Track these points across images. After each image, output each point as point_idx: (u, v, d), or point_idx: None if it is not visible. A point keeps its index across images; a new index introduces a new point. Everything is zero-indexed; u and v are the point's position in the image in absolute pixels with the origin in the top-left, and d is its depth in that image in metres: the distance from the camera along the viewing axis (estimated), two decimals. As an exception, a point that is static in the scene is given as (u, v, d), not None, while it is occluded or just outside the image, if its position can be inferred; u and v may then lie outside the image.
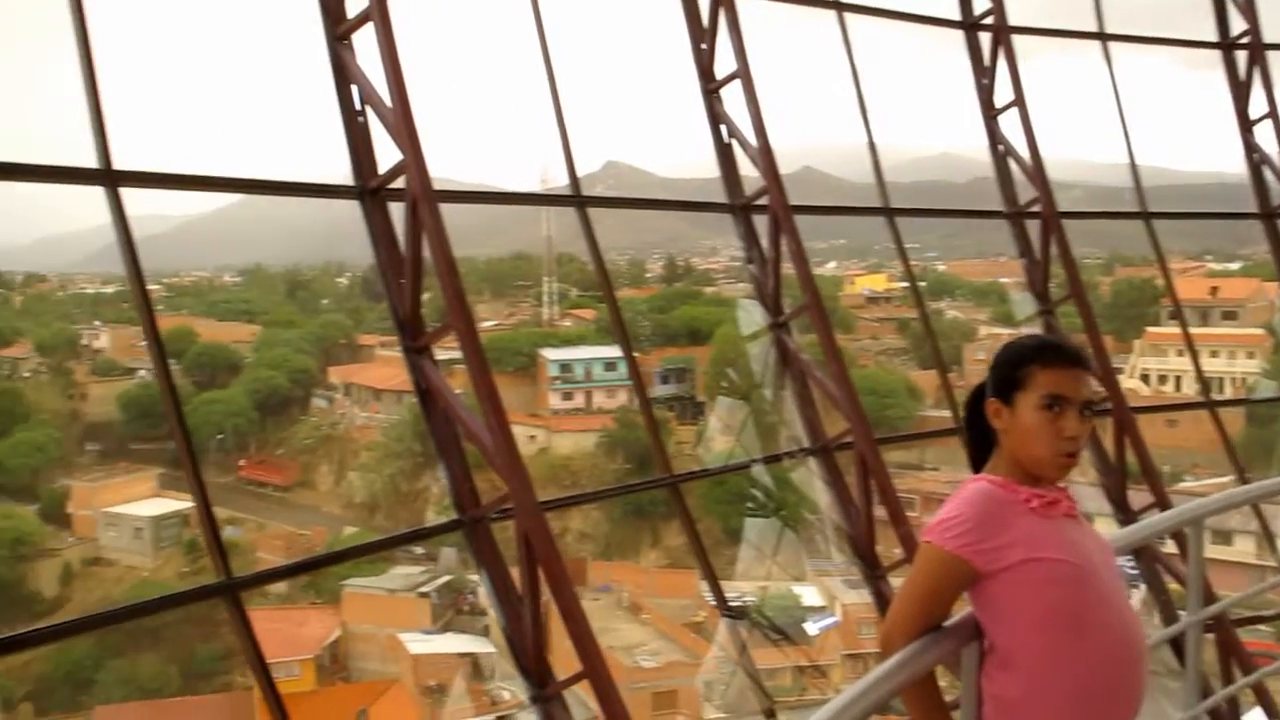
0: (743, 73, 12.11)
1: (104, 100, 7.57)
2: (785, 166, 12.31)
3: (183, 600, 9.78)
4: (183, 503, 42.07)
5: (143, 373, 48.62)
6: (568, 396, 49.56)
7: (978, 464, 3.31)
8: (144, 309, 8.01)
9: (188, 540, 41.34)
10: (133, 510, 41.63)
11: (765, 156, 12.00)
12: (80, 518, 41.70)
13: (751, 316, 13.21)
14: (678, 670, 31.49)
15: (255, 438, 47.98)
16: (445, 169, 9.00)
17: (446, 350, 9.29)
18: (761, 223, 12.46)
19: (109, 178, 7.60)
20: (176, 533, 41.41)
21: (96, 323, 52.94)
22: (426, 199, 8.36)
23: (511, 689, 33.70)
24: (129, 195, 7.66)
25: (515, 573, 8.36)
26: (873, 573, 11.49)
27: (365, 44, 8.96)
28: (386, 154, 9.13)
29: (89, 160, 7.50)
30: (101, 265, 67.17)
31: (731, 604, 12.84)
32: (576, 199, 11.79)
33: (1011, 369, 3.21)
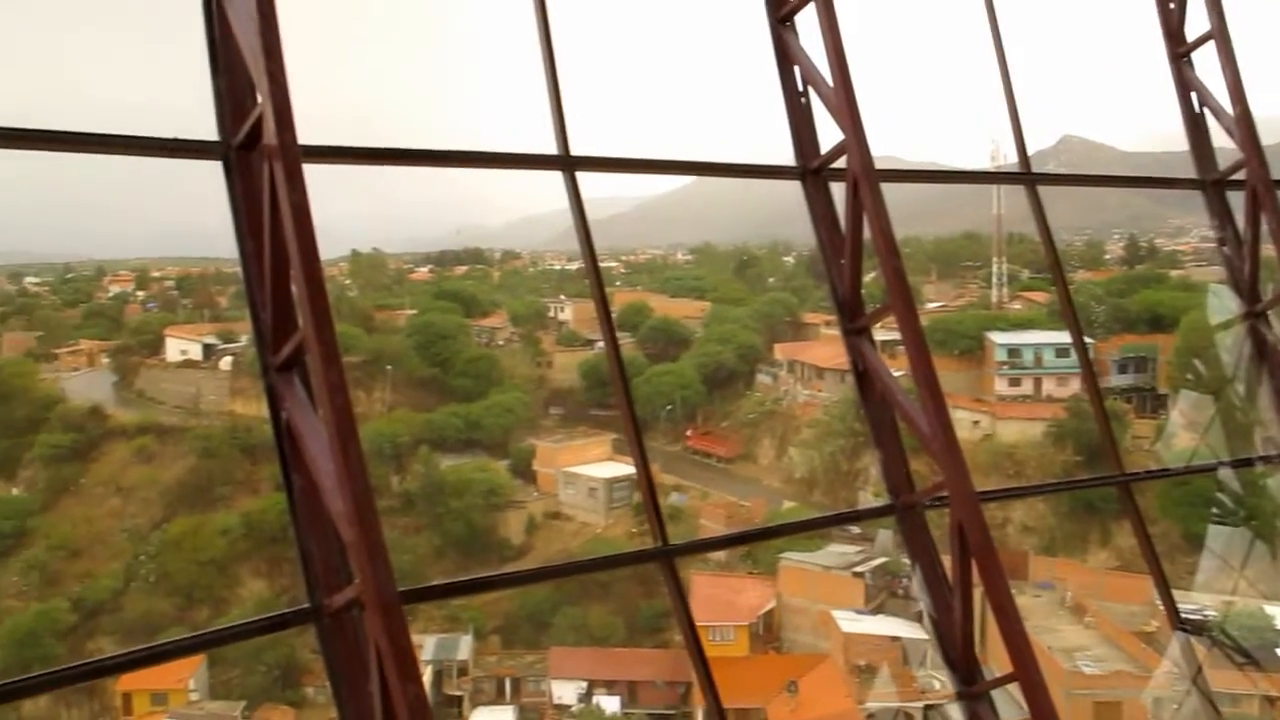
0: (1218, 32, 10.86)
1: (563, 91, 8.14)
2: (1267, 137, 10.91)
3: (623, 561, 10.35)
4: (632, 467, 44.88)
5: (601, 344, 52.34)
6: (1015, 382, 47.46)
7: None
8: (596, 285, 8.51)
9: (636, 503, 44.05)
10: (588, 471, 44.87)
11: (1243, 125, 10.69)
12: (544, 475, 45.61)
13: (1223, 303, 11.74)
14: (1123, 681, 29.23)
15: (702, 409, 49.97)
16: (888, 147, 8.85)
17: (887, 331, 9.12)
18: (1237, 199, 11.10)
19: (567, 163, 8.17)
20: (627, 495, 44.17)
21: (562, 297, 57.39)
22: (867, 178, 8.23)
23: (942, 679, 32.94)
24: (587, 179, 8.25)
25: (948, 562, 8.09)
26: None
27: (807, 25, 8.97)
28: (828, 134, 9.10)
29: (550, 147, 8.11)
30: (567, 244, 72.87)
31: (1188, 617, 11.69)
32: (1026, 177, 11.16)
33: None
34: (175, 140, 6.59)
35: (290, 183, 5.59)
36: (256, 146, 6.25)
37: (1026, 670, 7.12)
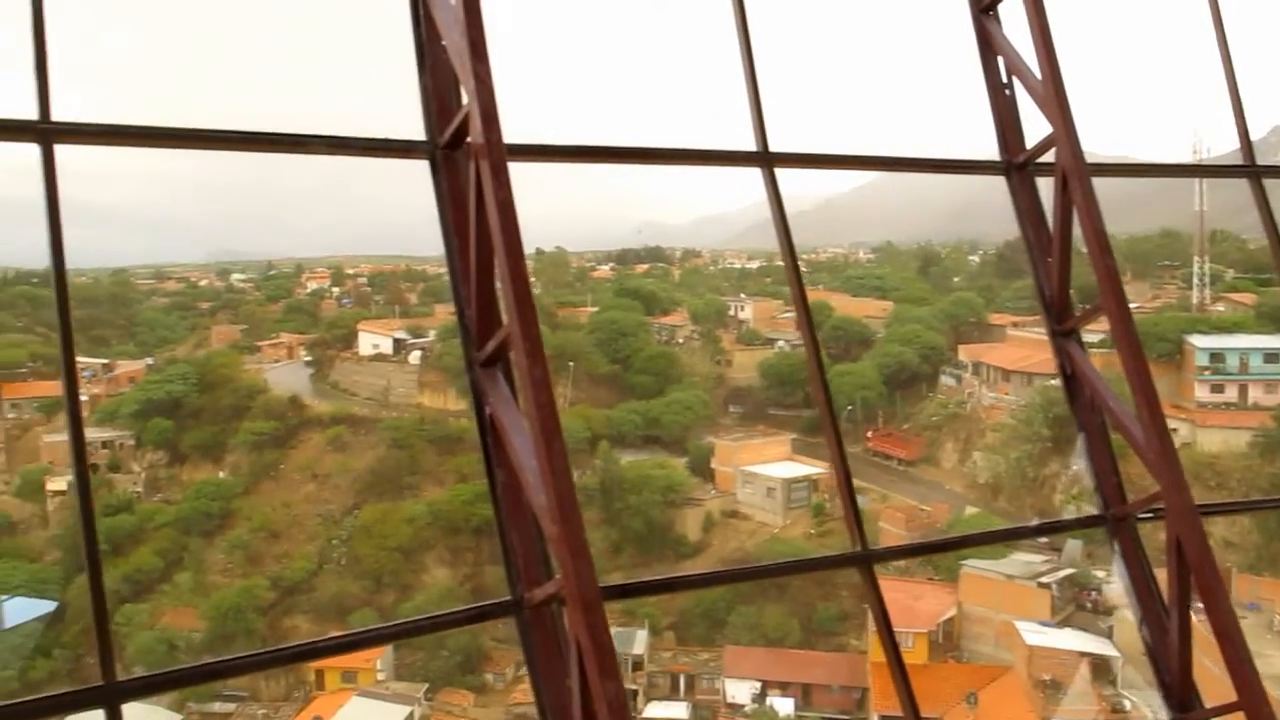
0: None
1: (762, 88, 8.00)
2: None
3: (821, 565, 10.10)
4: (812, 468, 44.41)
5: (781, 343, 51.96)
6: (1218, 389, 44.91)
7: None
8: (796, 283, 8.32)
9: (815, 504, 43.56)
10: (767, 471, 44.57)
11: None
12: (721, 473, 45.54)
13: None
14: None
15: (883, 411, 49.06)
16: (1084, 141, 8.28)
17: (1089, 332, 8.73)
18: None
19: (766, 160, 8.03)
20: (805, 496, 43.73)
21: (742, 295, 57.23)
22: (1078, 173, 7.84)
23: (1134, 700, 31.42)
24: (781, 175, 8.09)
25: (1161, 578, 7.65)
26: None
27: (1010, 15, 8.61)
28: (1033, 127, 8.72)
29: (747, 144, 7.98)
30: (747, 242, 72.76)
31: None
32: (1250, 170, 10.44)
33: None
34: (382, 140, 6.75)
35: (496, 180, 5.66)
36: (461, 145, 6.36)
37: (1253, 700, 6.64)
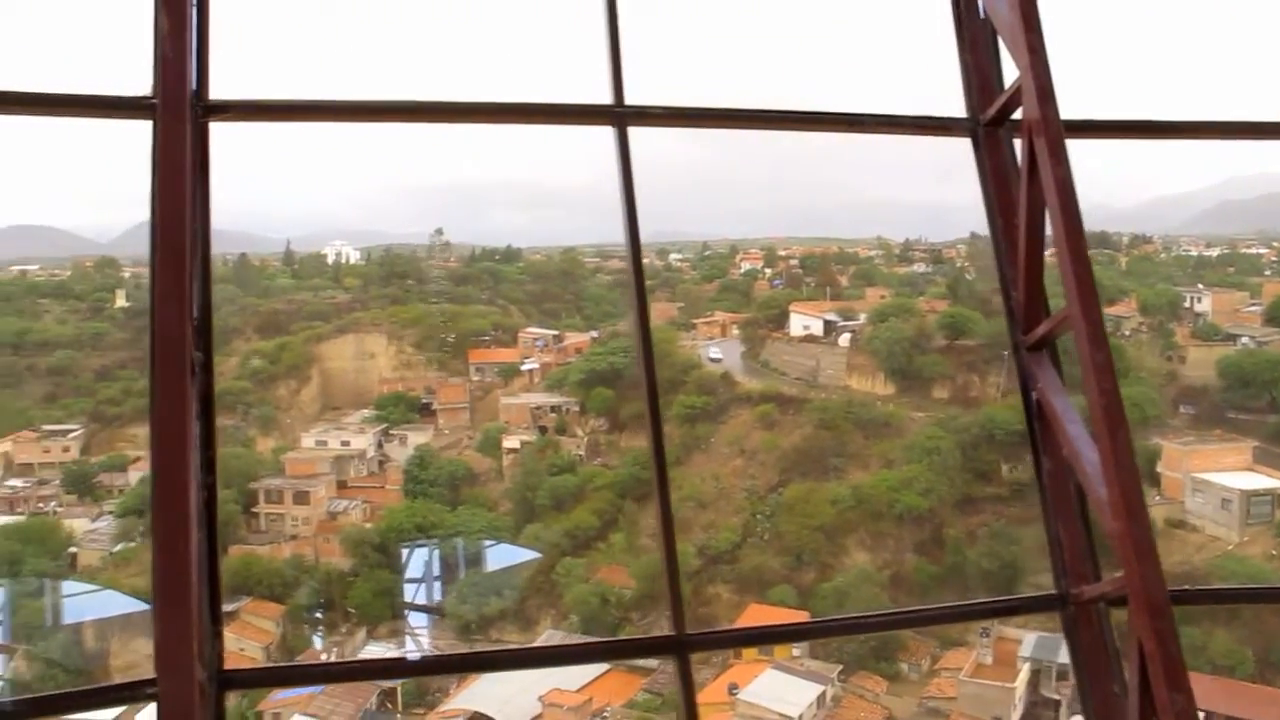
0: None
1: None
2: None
3: None
4: (1277, 481, 40.14)
5: (1245, 339, 47.24)
6: None
7: None
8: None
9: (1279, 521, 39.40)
10: (1223, 480, 40.71)
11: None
12: (1169, 479, 42.08)
13: None
14: None
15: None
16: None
17: None
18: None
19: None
20: (1268, 511, 39.58)
21: (1199, 285, 52.62)
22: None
23: None
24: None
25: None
26: None
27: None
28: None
29: None
30: (1204, 227, 66.70)
31: None
32: None
33: None
34: (922, 118, 6.62)
35: (1054, 158, 5.42)
36: (1004, 122, 6.16)
37: None
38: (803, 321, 51.20)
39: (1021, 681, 35.31)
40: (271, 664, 32.48)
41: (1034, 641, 35.92)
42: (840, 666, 37.08)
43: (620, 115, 5.81)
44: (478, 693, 34.04)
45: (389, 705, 35.34)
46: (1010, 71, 6.14)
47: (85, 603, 36.47)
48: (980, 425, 42.84)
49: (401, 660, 22.75)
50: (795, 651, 37.12)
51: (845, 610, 35.41)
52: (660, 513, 5.60)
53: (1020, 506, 40.54)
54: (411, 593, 40.21)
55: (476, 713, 33.71)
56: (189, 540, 3.72)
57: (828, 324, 50.41)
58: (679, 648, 5.18)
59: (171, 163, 4.07)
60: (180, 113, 4.12)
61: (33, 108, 4.75)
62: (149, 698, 3.78)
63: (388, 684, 34.27)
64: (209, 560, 3.81)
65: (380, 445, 47.91)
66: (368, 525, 42.75)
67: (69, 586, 37.53)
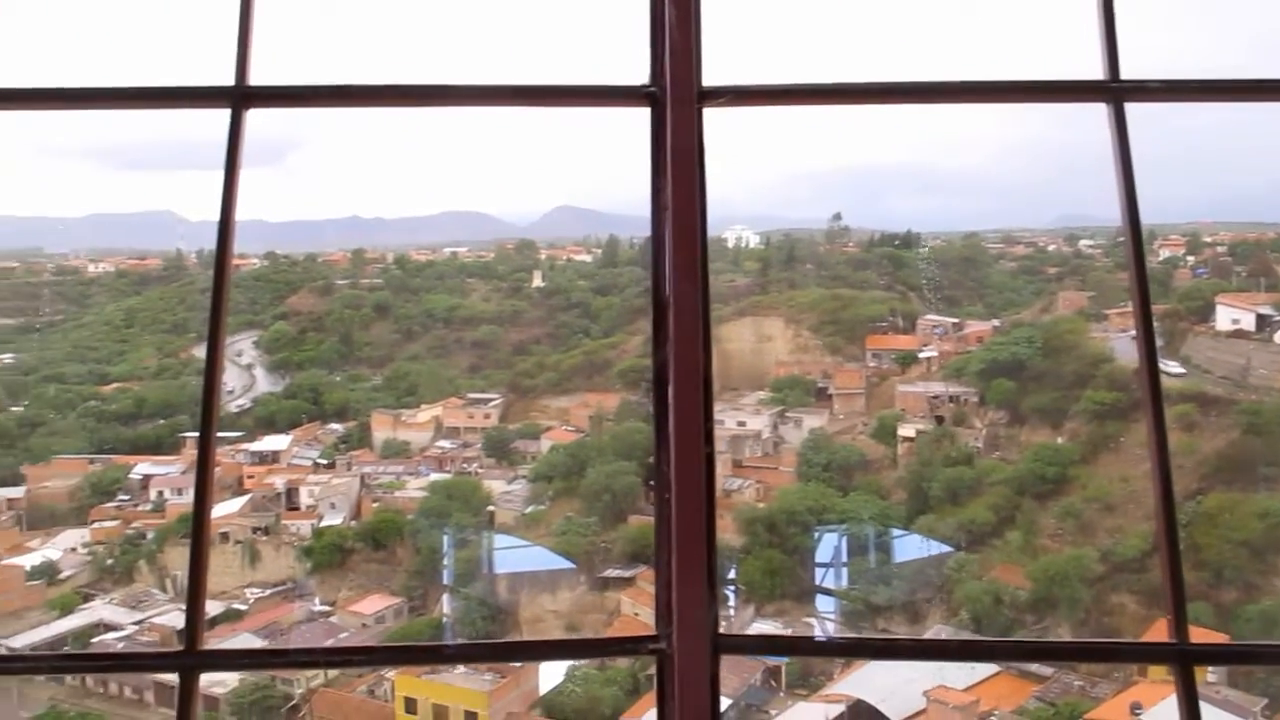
0: None
1: None
2: None
3: None
4: None
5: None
6: None
7: None
8: None
9: None
10: None
11: None
12: None
13: None
14: None
15: None
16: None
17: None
18: None
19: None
20: None
21: None
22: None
23: None
24: None
25: None
26: None
27: None
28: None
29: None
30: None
31: None
32: None
33: None
34: None
35: None
36: None
37: None
38: (1231, 315, 46.73)
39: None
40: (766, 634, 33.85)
41: None
42: (1265, 701, 33.89)
43: (1117, 91, 5.49)
44: (863, 680, 34.05)
45: (773, 683, 36.09)
46: None
47: (515, 556, 40.53)
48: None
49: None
50: (1211, 677, 34.25)
51: (1273, 637, 32.28)
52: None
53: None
54: (820, 576, 40.97)
55: (860, 700, 33.72)
56: (701, 500, 3.97)
57: (1261, 318, 45.75)
58: (1182, 658, 4.87)
59: (682, 149, 4.33)
60: (689, 101, 4.38)
61: (537, 99, 5.02)
62: (651, 653, 4.09)
63: (774, 661, 35.06)
64: (708, 525, 4.08)
65: (775, 427, 48.71)
66: (759, 505, 43.71)
67: (500, 539, 41.72)
